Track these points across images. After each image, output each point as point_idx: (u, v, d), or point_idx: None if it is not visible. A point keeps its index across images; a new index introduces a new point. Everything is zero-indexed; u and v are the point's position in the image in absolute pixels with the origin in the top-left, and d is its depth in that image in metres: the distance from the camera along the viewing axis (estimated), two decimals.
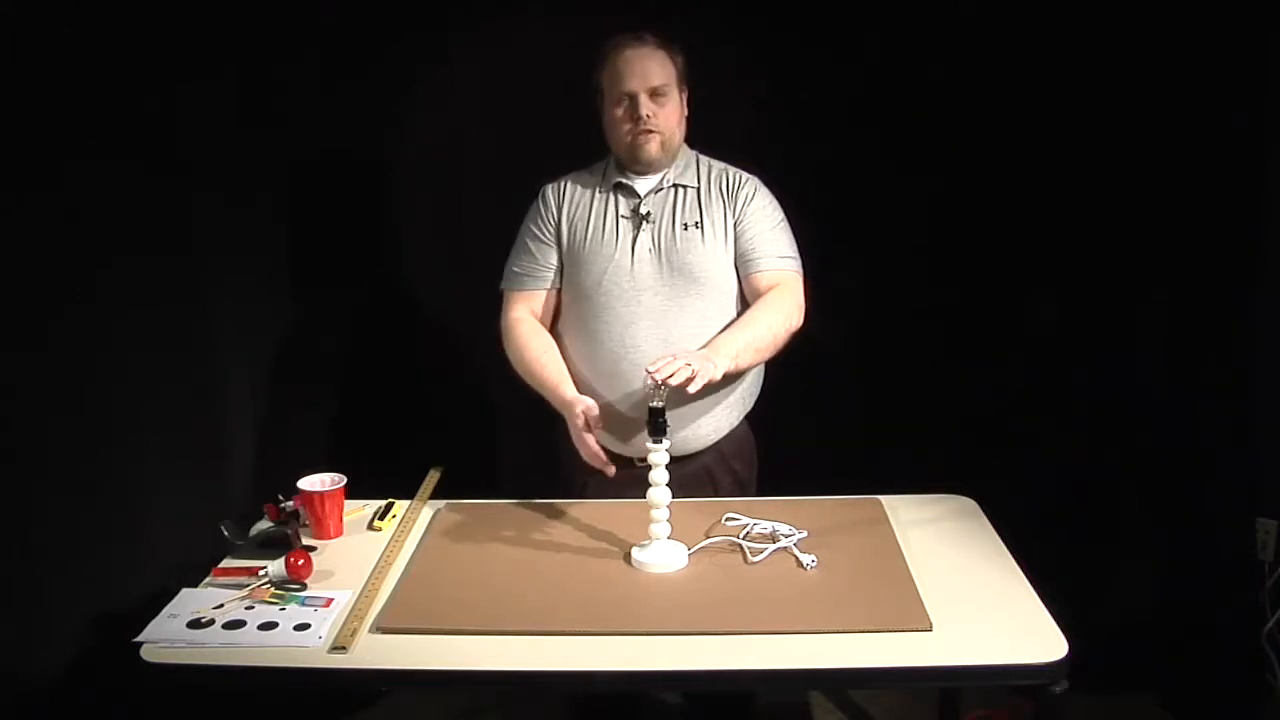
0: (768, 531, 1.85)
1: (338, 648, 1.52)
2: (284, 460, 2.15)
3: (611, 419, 1.98)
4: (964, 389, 2.55)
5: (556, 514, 1.97)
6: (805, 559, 1.75)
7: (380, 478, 2.02)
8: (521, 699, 2.53)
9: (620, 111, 1.98)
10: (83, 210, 1.86)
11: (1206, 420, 2.41)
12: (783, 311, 1.97)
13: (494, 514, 1.98)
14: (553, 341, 2.04)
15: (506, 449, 2.73)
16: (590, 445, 1.89)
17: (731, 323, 1.99)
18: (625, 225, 2.01)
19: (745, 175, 2.07)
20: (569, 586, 1.70)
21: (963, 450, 2.45)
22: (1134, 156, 2.35)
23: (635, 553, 1.78)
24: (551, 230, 2.06)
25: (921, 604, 1.61)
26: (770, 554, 1.78)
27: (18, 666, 1.82)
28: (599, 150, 2.10)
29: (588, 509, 1.98)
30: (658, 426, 1.72)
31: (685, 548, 1.78)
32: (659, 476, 1.74)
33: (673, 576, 1.73)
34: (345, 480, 1.91)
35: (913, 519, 1.95)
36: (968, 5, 2.40)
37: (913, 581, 1.69)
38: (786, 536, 1.82)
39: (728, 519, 1.91)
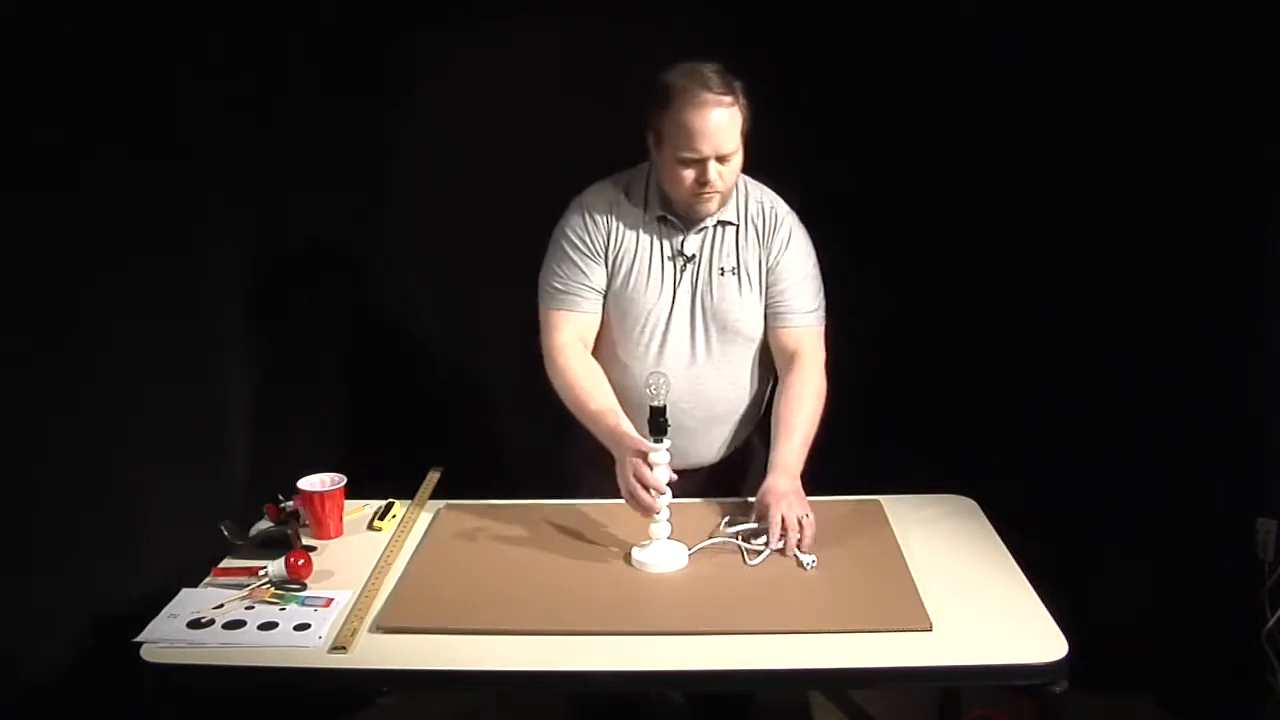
0: (741, 530, 1.84)
1: (338, 648, 1.52)
2: (284, 460, 2.15)
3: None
4: (964, 389, 2.55)
5: (556, 514, 1.97)
6: (805, 559, 1.75)
7: (380, 478, 2.02)
8: (521, 699, 2.53)
9: (687, 172, 1.84)
10: (82, 211, 1.86)
11: (1206, 420, 2.41)
12: (816, 393, 1.95)
13: (494, 514, 1.98)
14: (600, 372, 1.96)
15: (506, 449, 2.73)
16: (643, 497, 1.76)
17: (773, 401, 1.98)
18: (669, 267, 1.95)
19: (782, 210, 2.00)
20: (569, 586, 1.70)
21: (963, 450, 2.45)
22: (1133, 158, 2.35)
23: (635, 553, 1.78)
24: (600, 248, 1.95)
25: (921, 604, 1.61)
26: (769, 555, 1.78)
27: (18, 666, 1.82)
28: (598, 151, 2.09)
29: (587, 509, 1.98)
30: (658, 426, 1.72)
31: (685, 548, 1.78)
32: (660, 476, 1.74)
33: (673, 576, 1.73)
34: (345, 480, 1.91)
35: (913, 519, 1.95)
36: (968, 9, 2.40)
37: (913, 581, 1.69)
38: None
39: (727, 520, 1.90)
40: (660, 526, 1.77)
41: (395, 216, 2.60)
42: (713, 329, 1.96)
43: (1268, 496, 2.40)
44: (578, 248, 1.95)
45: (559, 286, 1.96)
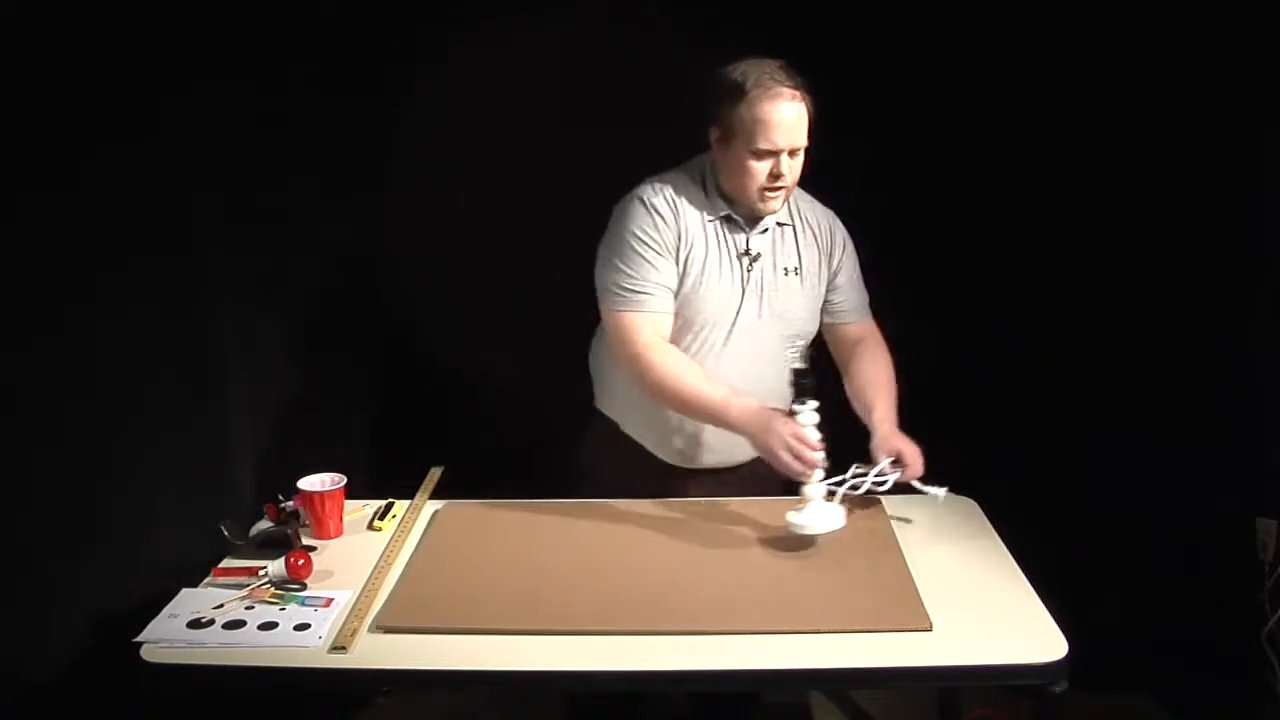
0: (875, 471, 1.87)
1: (338, 648, 1.53)
2: (284, 460, 2.15)
3: (684, 437, 2.00)
4: (964, 389, 2.55)
5: (557, 513, 1.97)
6: (939, 492, 1.84)
7: (380, 478, 2.02)
8: (521, 699, 2.53)
9: (759, 165, 1.85)
10: (81, 210, 1.86)
11: (1206, 420, 2.41)
12: (889, 364, 2.06)
13: (494, 514, 1.98)
14: (693, 363, 1.92)
15: (506, 449, 2.73)
16: (809, 455, 1.75)
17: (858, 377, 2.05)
18: (736, 266, 1.95)
19: (830, 214, 2.06)
20: (568, 586, 1.70)
21: (963, 450, 2.45)
22: (1134, 158, 2.35)
23: (792, 516, 1.78)
24: (671, 245, 1.90)
25: (921, 604, 1.62)
26: (892, 483, 1.84)
27: (18, 666, 1.82)
28: (599, 152, 2.09)
29: (588, 508, 1.98)
30: (803, 387, 1.76)
31: (841, 507, 1.79)
32: (812, 435, 1.76)
33: (673, 576, 1.73)
34: (345, 480, 1.91)
35: (913, 519, 1.95)
36: (968, 11, 2.40)
37: (913, 581, 1.69)
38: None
39: (855, 469, 1.91)
40: (816, 488, 1.77)
41: (395, 216, 2.60)
42: (775, 327, 1.98)
43: (1268, 496, 2.40)
44: (648, 245, 1.90)
45: (632, 287, 1.89)
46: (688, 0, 2.45)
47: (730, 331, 1.95)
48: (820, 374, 2.11)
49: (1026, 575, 1.72)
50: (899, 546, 1.82)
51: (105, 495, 1.94)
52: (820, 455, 1.76)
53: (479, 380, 2.68)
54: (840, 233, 2.07)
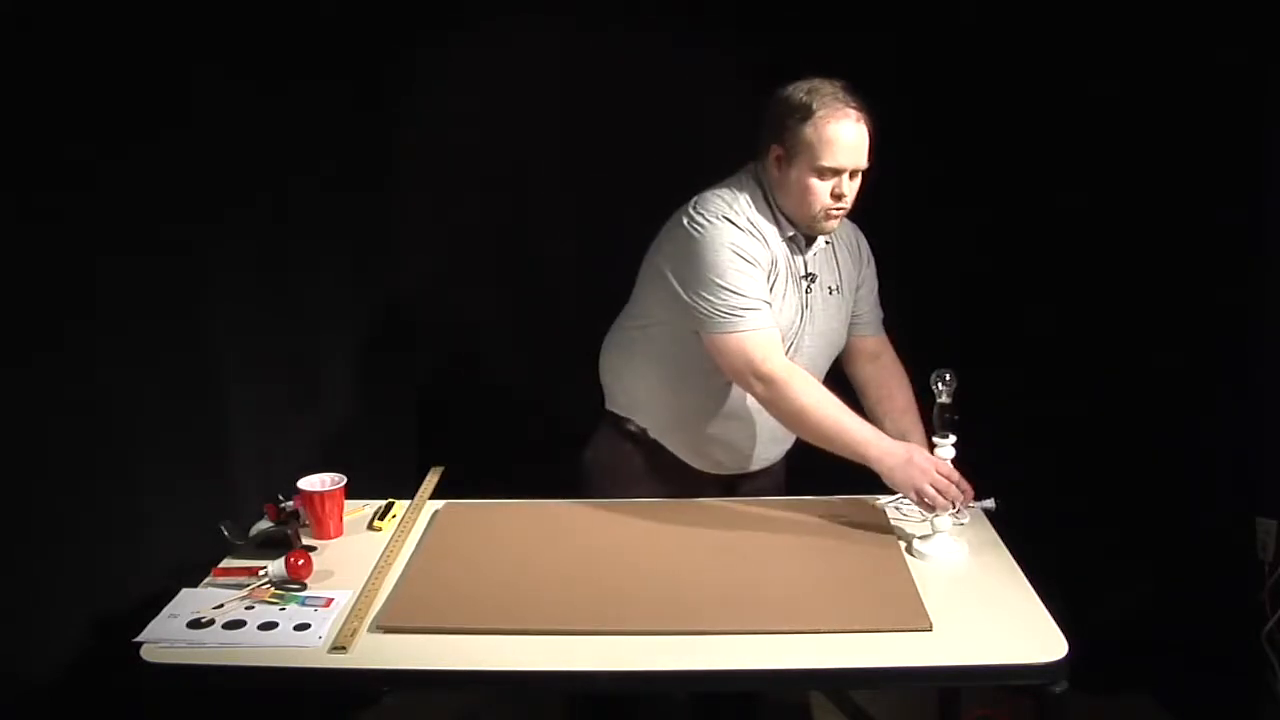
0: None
1: (338, 648, 1.52)
2: (284, 460, 2.15)
3: (727, 449, 2.02)
4: (964, 390, 2.54)
5: (557, 513, 1.97)
6: (983, 504, 1.87)
7: (380, 478, 2.02)
8: (521, 699, 2.53)
9: (823, 185, 1.83)
10: (82, 210, 1.86)
11: (1206, 420, 2.41)
12: (909, 383, 2.08)
13: (494, 514, 1.98)
14: (830, 393, 1.87)
15: (506, 449, 2.73)
16: (954, 490, 1.78)
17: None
18: (797, 288, 1.94)
19: (856, 228, 2.07)
20: (569, 586, 1.69)
21: (963, 450, 2.45)
22: (1134, 158, 2.35)
23: (919, 545, 1.80)
24: (766, 264, 1.86)
25: (921, 604, 1.61)
26: (967, 513, 1.86)
27: (18, 666, 1.82)
28: (600, 153, 2.08)
29: (588, 508, 1.98)
30: (948, 422, 1.80)
31: (964, 542, 1.81)
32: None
33: (674, 576, 1.72)
34: (345, 480, 1.91)
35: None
36: (968, 12, 2.40)
37: (913, 582, 1.69)
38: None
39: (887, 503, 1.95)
40: (946, 521, 1.79)
41: (396, 217, 2.60)
42: (819, 345, 1.99)
43: (1268, 496, 2.40)
44: (750, 262, 1.84)
45: (745, 306, 1.82)
46: (688, 3, 2.45)
47: (788, 351, 1.93)
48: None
49: (1026, 575, 1.72)
50: (899, 546, 1.82)
51: (105, 495, 1.94)
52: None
53: (480, 380, 2.68)
54: (866, 246, 2.08)
